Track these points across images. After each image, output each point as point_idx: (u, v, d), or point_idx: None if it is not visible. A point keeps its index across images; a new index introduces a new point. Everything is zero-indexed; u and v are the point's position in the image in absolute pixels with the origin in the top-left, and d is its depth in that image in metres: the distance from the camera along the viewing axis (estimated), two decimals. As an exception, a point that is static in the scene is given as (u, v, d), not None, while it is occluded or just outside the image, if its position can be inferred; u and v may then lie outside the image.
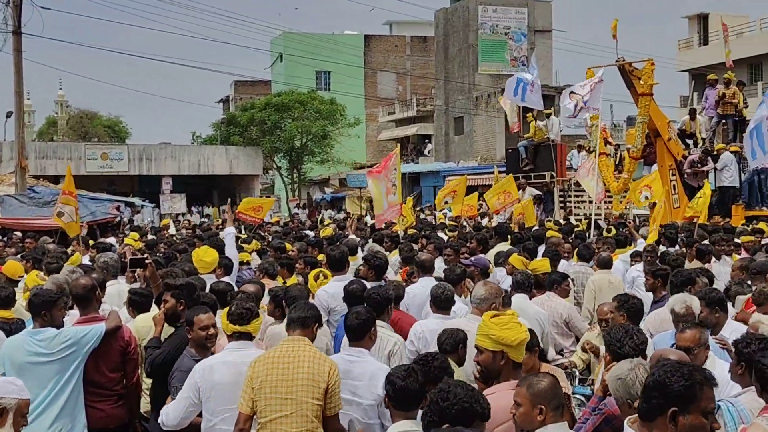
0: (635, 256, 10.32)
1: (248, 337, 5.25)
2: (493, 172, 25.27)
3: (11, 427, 4.14)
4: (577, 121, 19.76)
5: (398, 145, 30.06)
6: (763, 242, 12.30)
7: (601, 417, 4.21)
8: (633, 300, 6.17)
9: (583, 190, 18.49)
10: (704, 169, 18.46)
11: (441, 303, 6.50)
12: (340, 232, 16.58)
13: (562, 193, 22.30)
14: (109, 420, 5.90)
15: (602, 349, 5.87)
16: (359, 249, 11.87)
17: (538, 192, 20.81)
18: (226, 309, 5.39)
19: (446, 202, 19.99)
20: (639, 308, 6.17)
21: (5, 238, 17.65)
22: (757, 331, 5.37)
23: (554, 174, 22.19)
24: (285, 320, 6.08)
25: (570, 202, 22.12)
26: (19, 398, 4.17)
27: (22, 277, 8.93)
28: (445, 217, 22.29)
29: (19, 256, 12.23)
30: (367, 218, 26.20)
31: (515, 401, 3.70)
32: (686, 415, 2.87)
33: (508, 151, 26.64)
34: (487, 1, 48.85)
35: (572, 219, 18.43)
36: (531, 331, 4.79)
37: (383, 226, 15.71)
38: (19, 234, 17.61)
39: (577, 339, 7.64)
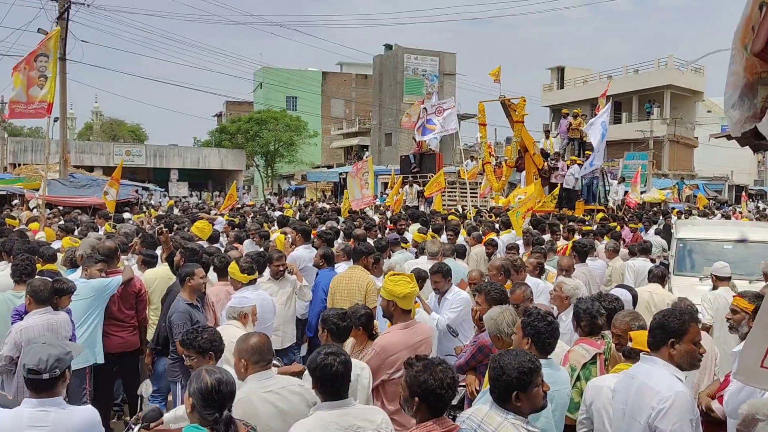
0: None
1: (255, 282, 5.60)
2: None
3: (252, 324, 4.60)
4: (426, 138, 20.13)
5: (369, 155, 29.79)
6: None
7: (476, 346, 4.21)
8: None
9: (467, 187, 18.23)
10: (562, 173, 18.66)
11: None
12: (300, 213, 16.36)
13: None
14: (126, 344, 5.86)
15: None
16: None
17: (421, 188, 20.12)
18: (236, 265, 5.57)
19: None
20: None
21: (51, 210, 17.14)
22: (561, 289, 5.32)
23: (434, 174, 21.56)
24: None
25: (458, 195, 20.76)
26: (250, 305, 4.63)
27: (54, 240, 8.67)
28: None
29: (62, 222, 11.68)
30: (323, 204, 25.84)
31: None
32: (680, 344, 2.98)
33: (401, 158, 25.05)
34: (410, 51, 48.59)
35: (459, 208, 18.09)
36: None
37: (358, 209, 15.75)
38: (60, 208, 17.23)
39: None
